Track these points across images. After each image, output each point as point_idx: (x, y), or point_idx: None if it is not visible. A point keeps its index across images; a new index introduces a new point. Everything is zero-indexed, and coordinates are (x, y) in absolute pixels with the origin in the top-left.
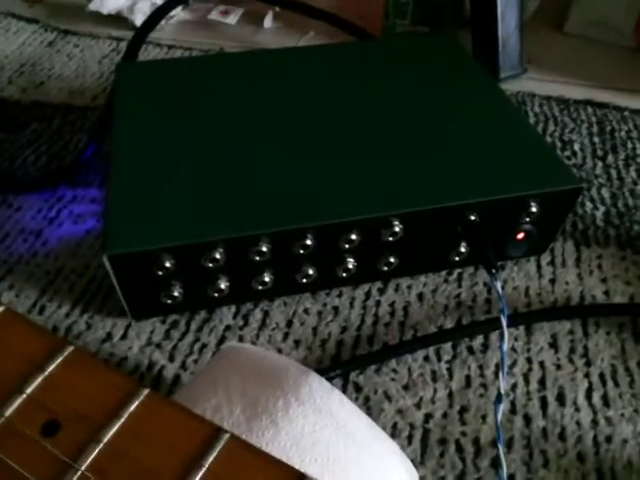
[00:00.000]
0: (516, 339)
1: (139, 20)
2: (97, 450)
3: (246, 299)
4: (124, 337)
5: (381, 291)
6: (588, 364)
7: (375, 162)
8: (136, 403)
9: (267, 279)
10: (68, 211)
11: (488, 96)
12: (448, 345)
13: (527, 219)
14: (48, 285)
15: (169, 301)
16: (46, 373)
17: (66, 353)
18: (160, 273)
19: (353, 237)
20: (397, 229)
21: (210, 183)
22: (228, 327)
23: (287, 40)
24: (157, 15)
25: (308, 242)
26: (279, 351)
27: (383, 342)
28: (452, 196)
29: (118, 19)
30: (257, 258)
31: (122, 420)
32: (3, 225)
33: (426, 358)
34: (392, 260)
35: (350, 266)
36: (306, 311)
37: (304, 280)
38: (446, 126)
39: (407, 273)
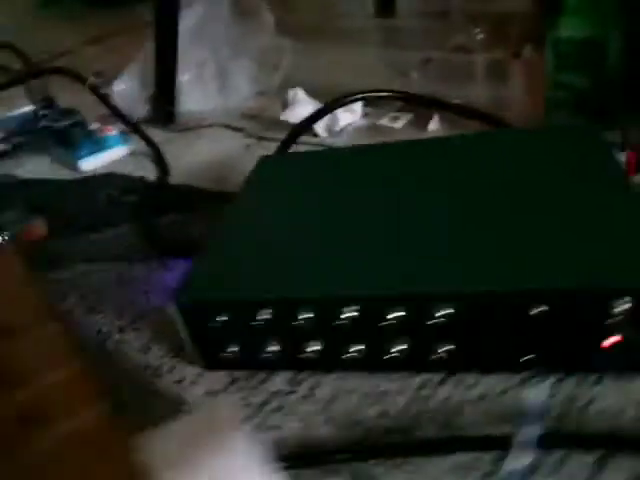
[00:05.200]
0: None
1: (321, 129)
2: None
3: (302, 367)
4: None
5: (441, 383)
6: None
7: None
8: None
9: (315, 348)
10: None
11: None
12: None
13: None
14: None
15: (229, 355)
16: None
17: None
18: (217, 325)
19: (396, 314)
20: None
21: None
22: (275, 393)
23: None
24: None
25: (349, 314)
26: (309, 424)
27: (418, 437)
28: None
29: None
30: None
31: None
32: None
33: (458, 467)
34: (446, 347)
35: (397, 348)
36: (354, 390)
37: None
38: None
39: (472, 366)
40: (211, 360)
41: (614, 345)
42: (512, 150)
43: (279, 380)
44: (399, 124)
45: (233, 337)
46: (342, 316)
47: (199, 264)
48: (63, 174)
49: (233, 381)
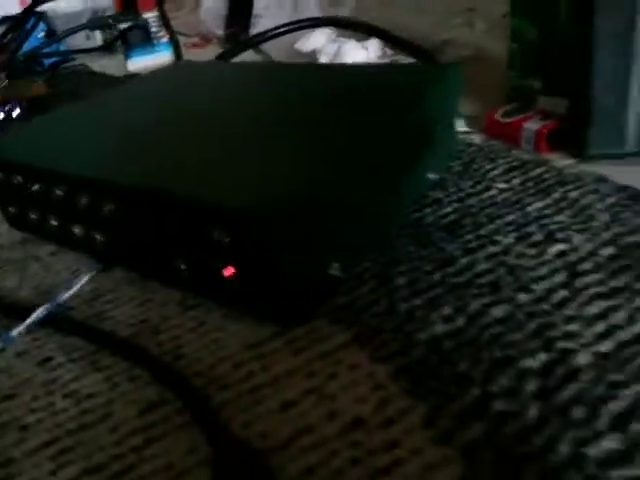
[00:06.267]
0: None
1: (323, 58)
2: None
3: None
4: None
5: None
6: None
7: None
8: None
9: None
10: None
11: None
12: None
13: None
14: None
15: (11, 215)
16: None
17: None
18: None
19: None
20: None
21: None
22: (35, 257)
23: None
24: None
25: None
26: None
27: None
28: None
29: (312, 56)
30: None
31: None
32: None
33: None
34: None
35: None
36: (66, 268)
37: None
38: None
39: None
40: (7, 217)
41: (233, 276)
42: (352, 81)
43: (44, 249)
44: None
45: (8, 197)
46: (57, 192)
47: (11, 131)
48: (119, 71)
49: (23, 241)
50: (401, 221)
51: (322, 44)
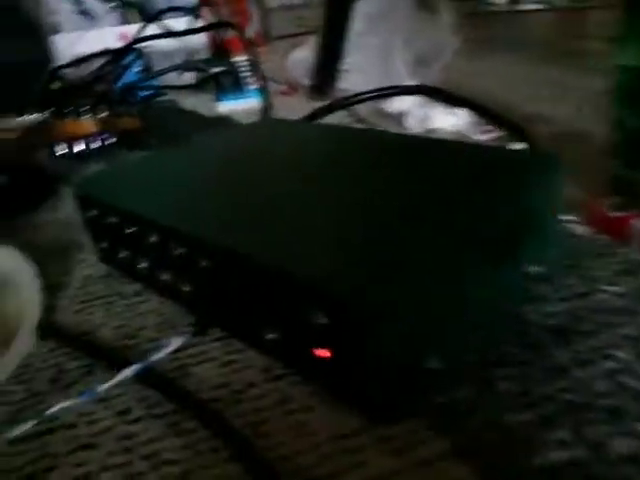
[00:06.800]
0: None
1: (409, 122)
2: None
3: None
4: None
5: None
6: None
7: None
8: None
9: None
10: None
11: None
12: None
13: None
14: None
15: (102, 251)
16: None
17: None
18: (90, 219)
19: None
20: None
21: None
22: (119, 293)
23: None
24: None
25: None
26: (105, 322)
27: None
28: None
29: (399, 118)
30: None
31: None
32: None
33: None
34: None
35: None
36: (152, 310)
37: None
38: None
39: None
40: (98, 253)
41: (326, 359)
42: (447, 159)
43: (129, 287)
44: (485, 137)
45: (101, 234)
46: (151, 239)
47: (109, 168)
48: (205, 110)
49: (107, 275)
50: (502, 315)
51: (409, 107)
